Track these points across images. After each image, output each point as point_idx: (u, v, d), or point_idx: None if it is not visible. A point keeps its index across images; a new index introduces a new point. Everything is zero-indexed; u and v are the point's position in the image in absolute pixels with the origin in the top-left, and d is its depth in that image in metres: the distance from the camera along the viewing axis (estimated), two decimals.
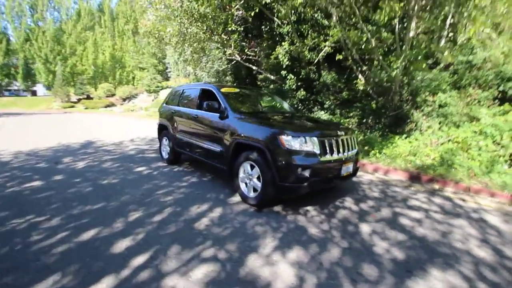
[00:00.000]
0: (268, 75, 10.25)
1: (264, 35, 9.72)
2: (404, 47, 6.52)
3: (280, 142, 3.02)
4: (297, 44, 8.15)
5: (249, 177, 3.38)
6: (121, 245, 2.41)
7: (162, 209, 3.21)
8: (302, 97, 9.03)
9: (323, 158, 3.07)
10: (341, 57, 7.73)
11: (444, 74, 7.41)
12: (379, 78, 7.70)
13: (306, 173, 2.97)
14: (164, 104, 5.74)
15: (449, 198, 3.91)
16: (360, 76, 8.16)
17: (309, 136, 3.05)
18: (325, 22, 8.01)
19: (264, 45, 9.91)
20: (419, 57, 6.46)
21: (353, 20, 7.64)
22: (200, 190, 3.92)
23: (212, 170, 4.97)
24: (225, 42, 9.75)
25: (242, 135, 3.44)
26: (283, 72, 9.43)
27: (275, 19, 8.82)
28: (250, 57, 10.58)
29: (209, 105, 3.92)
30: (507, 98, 6.76)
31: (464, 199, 3.86)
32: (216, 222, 2.91)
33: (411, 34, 6.51)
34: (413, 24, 6.45)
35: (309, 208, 3.33)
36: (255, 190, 3.33)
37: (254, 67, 11.20)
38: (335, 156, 3.20)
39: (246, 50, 10.22)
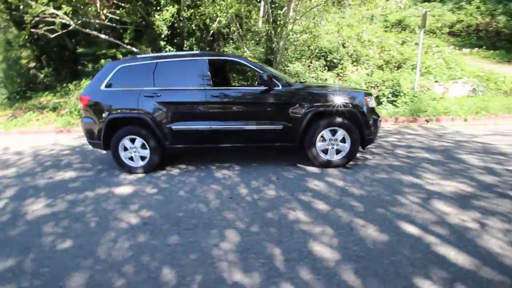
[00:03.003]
0: (130, 47, 8.38)
1: None
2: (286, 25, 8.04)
3: (365, 102, 3.49)
4: (193, 10, 7.36)
5: (331, 143, 3.56)
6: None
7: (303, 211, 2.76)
8: None
9: None
10: (234, 28, 8.04)
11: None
12: (267, 49, 8.88)
13: (379, 124, 3.72)
14: (104, 88, 3.72)
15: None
16: (245, 49, 8.93)
17: (372, 95, 3.74)
18: None
19: (127, 6, 7.84)
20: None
21: None
22: (272, 184, 3.35)
23: (223, 158, 4.20)
24: None
25: (322, 103, 3.45)
26: (162, 43, 8.27)
27: None
28: (104, 21, 8.04)
29: (262, 78, 3.37)
30: (333, 65, 10.26)
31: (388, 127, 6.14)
32: (367, 194, 2.88)
33: (291, 14, 8.10)
34: (291, 6, 8.02)
35: (367, 156, 4.09)
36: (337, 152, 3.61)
37: (103, 36, 8.73)
38: None
39: (104, 11, 7.62)
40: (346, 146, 3.57)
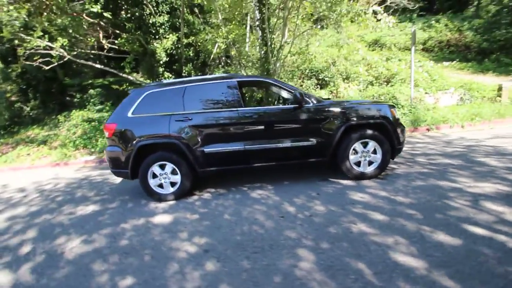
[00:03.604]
0: (127, 76, 8.32)
1: (126, 23, 7.68)
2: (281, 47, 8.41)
3: (392, 114, 3.65)
4: (193, 37, 7.54)
5: (363, 155, 3.65)
6: None
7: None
8: None
9: None
10: (234, 52, 8.27)
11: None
12: (263, 71, 9.16)
13: (405, 133, 3.88)
14: (131, 115, 3.63)
15: None
16: (243, 71, 9.15)
17: (395, 106, 3.92)
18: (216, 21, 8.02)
19: (126, 36, 7.87)
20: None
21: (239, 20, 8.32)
22: (316, 200, 3.41)
23: (251, 178, 4.15)
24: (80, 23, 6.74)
25: (354, 116, 3.56)
26: (160, 70, 8.30)
27: (148, 5, 7.42)
28: (104, 51, 7.99)
29: (296, 96, 3.46)
30: (324, 83, 10.71)
31: None
32: (417, 202, 3.04)
33: (286, 37, 8.50)
34: (286, 30, 8.44)
35: (392, 166, 4.16)
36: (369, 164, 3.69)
37: (98, 66, 8.67)
38: None
39: (104, 41, 7.59)
40: (378, 157, 3.66)
